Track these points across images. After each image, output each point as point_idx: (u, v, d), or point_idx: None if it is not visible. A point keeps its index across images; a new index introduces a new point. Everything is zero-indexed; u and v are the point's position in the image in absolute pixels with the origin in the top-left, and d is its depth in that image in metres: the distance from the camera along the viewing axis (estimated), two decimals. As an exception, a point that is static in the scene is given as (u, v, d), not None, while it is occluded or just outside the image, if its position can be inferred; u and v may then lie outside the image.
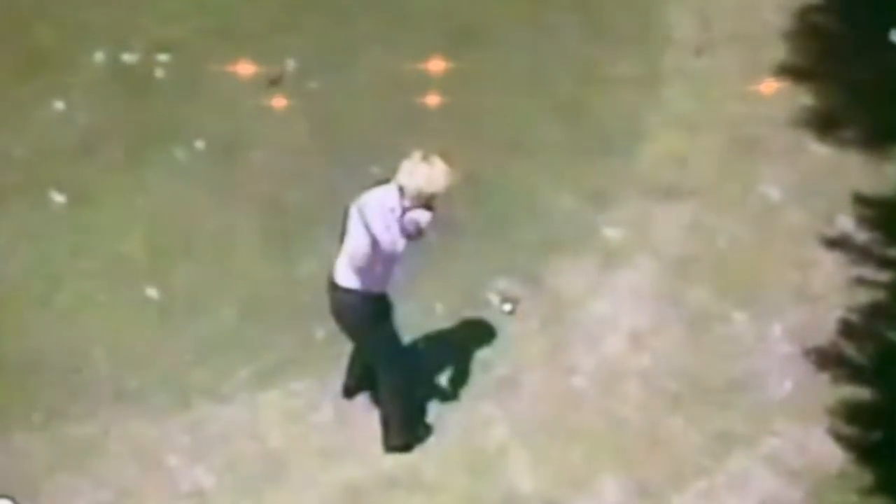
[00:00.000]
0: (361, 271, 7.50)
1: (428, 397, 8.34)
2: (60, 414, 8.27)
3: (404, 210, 7.42)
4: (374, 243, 7.31)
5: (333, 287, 7.69)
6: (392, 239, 7.44)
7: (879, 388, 8.41)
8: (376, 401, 8.17)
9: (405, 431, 8.15)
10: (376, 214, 7.37)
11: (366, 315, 7.70)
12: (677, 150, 9.63)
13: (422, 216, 7.44)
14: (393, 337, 7.88)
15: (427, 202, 7.43)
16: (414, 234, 7.47)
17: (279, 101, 9.58)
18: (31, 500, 7.90)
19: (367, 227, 7.26)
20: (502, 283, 8.83)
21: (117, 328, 8.65)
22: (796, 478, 8.11)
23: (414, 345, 8.39)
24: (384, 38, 10.07)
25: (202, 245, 9.07)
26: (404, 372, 8.01)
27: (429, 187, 7.38)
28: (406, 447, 8.17)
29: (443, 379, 8.45)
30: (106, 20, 10.15)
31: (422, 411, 8.30)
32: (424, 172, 7.36)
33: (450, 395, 8.40)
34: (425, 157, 7.38)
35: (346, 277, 7.60)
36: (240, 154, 9.51)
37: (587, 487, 8.07)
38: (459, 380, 8.45)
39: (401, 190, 7.41)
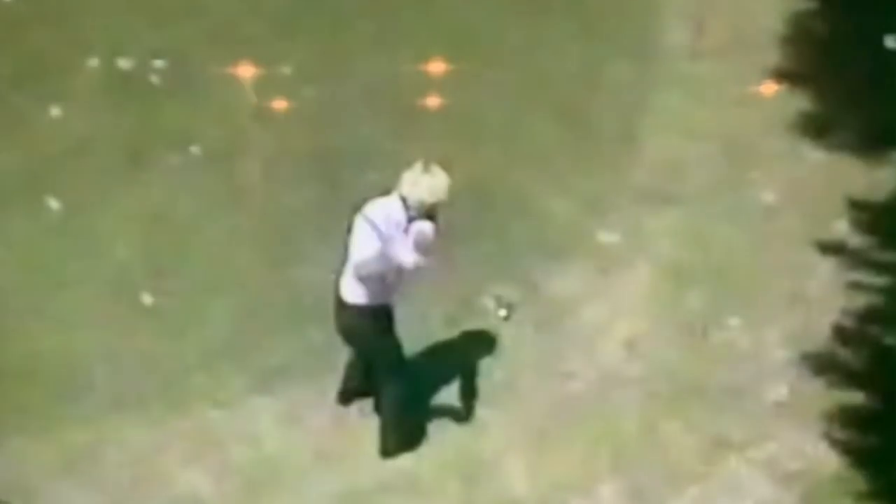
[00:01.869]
0: (369, 282, 7.49)
1: (434, 414, 8.34)
2: (57, 420, 8.27)
3: (410, 219, 7.42)
4: (384, 254, 7.28)
5: (342, 306, 7.67)
6: (401, 251, 7.33)
7: (874, 392, 8.42)
8: (378, 408, 8.17)
9: (404, 441, 8.16)
10: (384, 228, 7.37)
11: (376, 330, 7.71)
12: (673, 156, 9.64)
13: (426, 227, 7.41)
14: (398, 348, 7.88)
15: (429, 211, 7.43)
16: (423, 246, 7.39)
17: (277, 105, 9.58)
18: (28, 506, 7.93)
19: (376, 235, 7.27)
20: (498, 289, 8.84)
21: (114, 334, 8.64)
22: (791, 482, 8.13)
23: (415, 355, 8.39)
24: (382, 41, 10.08)
25: (199, 251, 9.07)
26: (407, 383, 8.00)
27: (431, 198, 7.38)
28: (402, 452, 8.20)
29: (449, 395, 8.45)
30: (101, 26, 10.14)
31: (422, 424, 8.29)
32: (427, 183, 7.36)
33: (462, 415, 8.37)
34: (426, 167, 7.38)
35: (354, 293, 7.59)
36: (236, 159, 9.50)
37: (583, 492, 8.08)
38: (468, 395, 8.44)
39: (403, 201, 7.42)
